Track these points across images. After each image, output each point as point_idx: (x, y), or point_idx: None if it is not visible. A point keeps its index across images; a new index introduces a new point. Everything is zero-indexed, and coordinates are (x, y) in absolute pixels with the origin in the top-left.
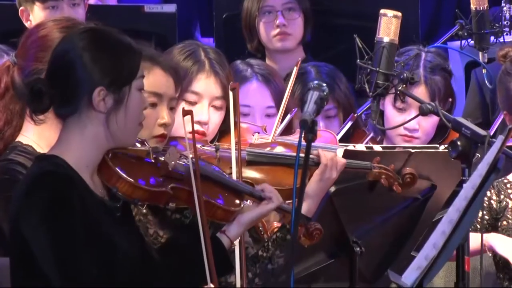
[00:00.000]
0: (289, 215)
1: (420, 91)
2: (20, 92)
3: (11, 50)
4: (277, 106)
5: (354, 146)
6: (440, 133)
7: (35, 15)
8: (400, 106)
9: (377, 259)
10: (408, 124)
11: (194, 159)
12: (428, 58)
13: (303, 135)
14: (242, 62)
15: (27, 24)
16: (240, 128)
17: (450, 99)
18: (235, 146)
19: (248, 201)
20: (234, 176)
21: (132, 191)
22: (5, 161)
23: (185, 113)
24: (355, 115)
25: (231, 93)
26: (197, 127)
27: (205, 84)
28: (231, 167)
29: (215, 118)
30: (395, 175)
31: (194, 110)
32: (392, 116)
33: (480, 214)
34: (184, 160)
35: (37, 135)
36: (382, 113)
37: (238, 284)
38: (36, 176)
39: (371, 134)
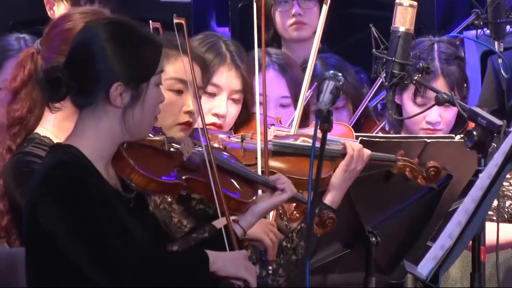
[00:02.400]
0: (303, 205)
1: (439, 83)
2: (39, 79)
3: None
4: (292, 97)
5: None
6: (460, 123)
7: (60, 10)
8: (420, 102)
9: (392, 249)
10: (430, 117)
11: (208, 149)
12: (442, 49)
13: (318, 125)
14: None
15: (49, 13)
16: (255, 120)
17: (465, 85)
18: (261, 137)
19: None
20: (259, 166)
21: (146, 183)
22: (22, 154)
23: (177, 24)
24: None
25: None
26: (214, 119)
27: (226, 77)
28: (256, 158)
29: (232, 111)
30: (419, 168)
31: (213, 102)
32: (413, 111)
33: (495, 203)
34: (199, 150)
35: (56, 127)
36: (399, 107)
37: None
38: (52, 166)
39: (382, 124)
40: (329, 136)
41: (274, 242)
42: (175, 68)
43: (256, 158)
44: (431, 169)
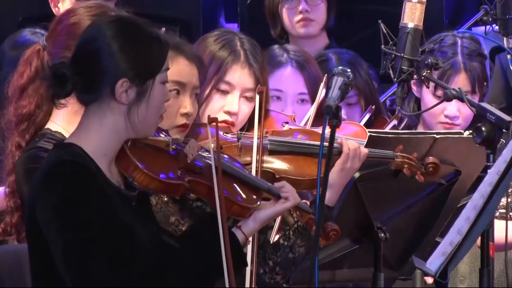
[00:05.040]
0: (306, 214)
1: (461, 79)
2: (45, 76)
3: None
4: (310, 94)
5: None
6: (477, 119)
7: (65, 6)
8: (440, 94)
9: (401, 245)
10: (449, 111)
11: (216, 155)
12: (465, 45)
13: (327, 121)
14: (279, 47)
15: (54, 10)
16: (269, 117)
17: (485, 83)
18: (257, 139)
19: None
20: (253, 165)
21: (149, 181)
22: (34, 149)
23: (211, 120)
24: (373, 107)
25: (257, 96)
26: (226, 117)
27: (239, 76)
28: (252, 156)
29: (244, 109)
30: (418, 164)
31: (225, 100)
32: (432, 103)
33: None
34: (205, 153)
35: (66, 121)
36: (417, 100)
37: (248, 274)
38: (52, 165)
39: (393, 122)
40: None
41: None
42: (172, 70)
43: (252, 156)
44: (430, 165)
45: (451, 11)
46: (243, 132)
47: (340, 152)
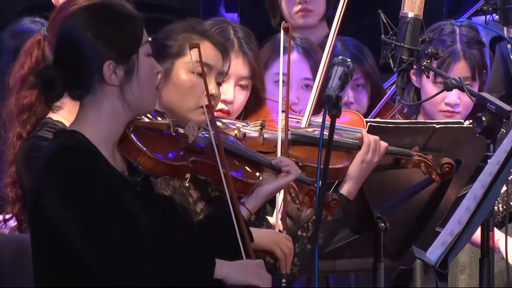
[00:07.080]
0: (307, 186)
1: (461, 66)
2: (35, 83)
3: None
4: (315, 80)
5: None
6: (478, 107)
7: None
8: (441, 81)
9: (401, 235)
10: (449, 98)
11: (215, 132)
12: (463, 33)
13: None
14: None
15: (54, 0)
16: (265, 106)
17: (484, 71)
18: (282, 127)
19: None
20: (279, 154)
21: (154, 165)
22: (35, 138)
23: (192, 46)
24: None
25: (282, 32)
26: (221, 105)
27: (233, 64)
28: (275, 146)
29: (240, 97)
30: (434, 165)
31: (220, 88)
32: (433, 92)
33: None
34: (204, 133)
35: (68, 111)
36: (417, 90)
37: None
38: (55, 152)
39: (399, 107)
40: (348, 126)
41: (286, 254)
42: (198, 52)
43: (275, 146)
44: (446, 166)
45: (451, 0)
46: (266, 122)
47: (360, 146)
